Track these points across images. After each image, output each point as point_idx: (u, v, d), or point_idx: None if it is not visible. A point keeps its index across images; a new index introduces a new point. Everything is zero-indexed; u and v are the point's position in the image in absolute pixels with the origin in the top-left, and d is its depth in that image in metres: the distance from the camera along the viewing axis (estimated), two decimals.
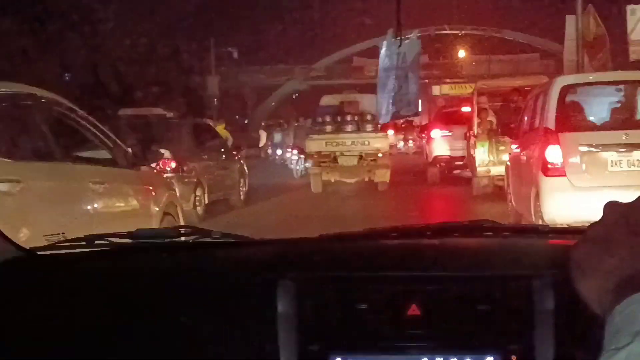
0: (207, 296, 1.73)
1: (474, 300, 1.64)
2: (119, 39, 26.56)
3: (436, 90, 52.60)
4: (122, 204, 5.41)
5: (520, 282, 1.65)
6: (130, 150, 5.66)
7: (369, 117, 16.96)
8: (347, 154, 16.50)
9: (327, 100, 18.54)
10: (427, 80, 48.70)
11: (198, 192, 12.64)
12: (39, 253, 2.00)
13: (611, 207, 1.03)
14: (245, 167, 15.78)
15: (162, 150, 11.87)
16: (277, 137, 32.69)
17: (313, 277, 1.71)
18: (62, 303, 1.74)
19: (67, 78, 25.37)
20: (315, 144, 16.70)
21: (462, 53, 46.36)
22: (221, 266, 1.89)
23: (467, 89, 51.08)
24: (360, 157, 16.48)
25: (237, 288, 1.73)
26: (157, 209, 5.66)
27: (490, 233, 2.09)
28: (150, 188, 5.76)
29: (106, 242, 2.05)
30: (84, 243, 2.04)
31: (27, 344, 1.67)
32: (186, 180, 12.29)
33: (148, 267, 1.93)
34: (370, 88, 27.78)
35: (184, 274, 1.85)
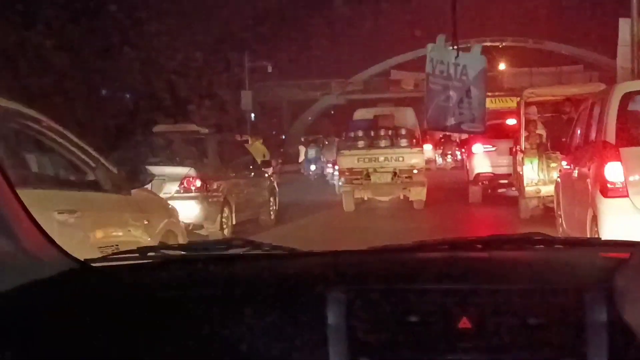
0: (258, 307, 1.76)
1: (526, 314, 1.65)
2: (152, 53, 26.15)
3: None
4: (102, 236, 4.62)
5: (572, 295, 1.66)
6: (116, 171, 4.83)
7: (403, 132, 16.09)
8: (380, 170, 15.66)
9: (360, 114, 17.71)
10: None
11: (225, 212, 11.90)
12: (93, 265, 2.03)
13: None
14: (276, 185, 15.05)
15: (187, 168, 11.33)
16: (311, 152, 31.97)
17: (363, 290, 1.75)
18: (115, 313, 1.78)
19: (103, 93, 25.10)
20: (347, 160, 15.90)
21: (502, 65, 45.17)
22: (272, 278, 1.92)
23: (507, 103, 50.13)
24: (394, 173, 15.64)
25: (287, 299, 1.77)
26: (149, 239, 4.91)
27: (541, 246, 2.08)
28: (143, 215, 5.01)
29: (159, 254, 2.12)
30: (137, 255, 2.10)
31: (81, 353, 1.68)
32: (212, 199, 11.59)
33: (200, 278, 1.96)
34: (409, 102, 27.07)
35: (235, 285, 1.88)
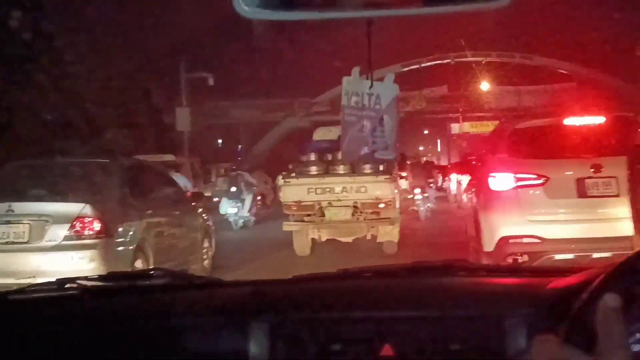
0: (178, 338, 1.87)
1: (447, 340, 1.79)
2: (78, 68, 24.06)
3: (456, 128, 50.04)
4: None
5: (493, 321, 1.80)
6: None
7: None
8: (337, 204, 13.32)
9: (321, 133, 15.66)
10: (450, 115, 46.29)
11: (138, 264, 9.54)
12: (10, 297, 2.17)
13: None
14: (211, 222, 12.92)
15: (81, 205, 8.97)
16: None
17: (286, 319, 1.87)
18: (32, 347, 1.89)
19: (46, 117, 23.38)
20: (293, 191, 13.49)
21: (486, 84, 43.28)
22: (193, 309, 2.00)
23: (488, 127, 48.31)
24: (355, 207, 13.31)
25: (208, 330, 1.89)
26: None
27: (463, 272, 2.22)
28: None
29: (77, 285, 2.22)
30: (55, 287, 2.22)
31: None
32: (118, 248, 9.34)
33: (119, 310, 2.08)
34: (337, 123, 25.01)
35: (154, 317, 1.99)
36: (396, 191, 14.04)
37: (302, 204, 13.34)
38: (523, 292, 1.91)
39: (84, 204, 9.01)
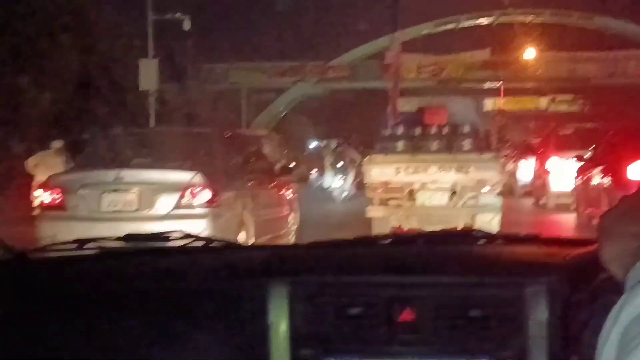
0: (197, 300, 2.16)
1: (467, 306, 2.07)
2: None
3: (489, 104, 49.19)
4: None
5: (513, 289, 2.07)
6: None
7: (466, 130, 13.67)
8: (432, 187, 13.10)
9: (405, 104, 16.22)
10: (488, 86, 46.21)
11: (242, 236, 10.74)
12: (29, 256, 2.51)
13: None
14: (296, 196, 14.42)
15: (191, 173, 9.95)
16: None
17: (305, 282, 2.14)
18: (50, 304, 2.21)
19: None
20: (379, 170, 13.30)
21: (531, 51, 43.33)
22: (212, 271, 2.33)
23: (529, 104, 47.36)
24: (454, 192, 13.17)
25: (227, 292, 2.16)
26: None
27: (483, 240, 2.51)
28: None
29: (97, 245, 2.58)
30: (75, 246, 2.54)
31: (16, 343, 2.15)
32: (226, 218, 10.50)
33: (137, 270, 2.39)
34: (410, 93, 25.65)
35: (173, 278, 2.30)
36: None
37: (390, 185, 13.26)
38: (542, 260, 2.16)
39: (194, 172, 10.04)
